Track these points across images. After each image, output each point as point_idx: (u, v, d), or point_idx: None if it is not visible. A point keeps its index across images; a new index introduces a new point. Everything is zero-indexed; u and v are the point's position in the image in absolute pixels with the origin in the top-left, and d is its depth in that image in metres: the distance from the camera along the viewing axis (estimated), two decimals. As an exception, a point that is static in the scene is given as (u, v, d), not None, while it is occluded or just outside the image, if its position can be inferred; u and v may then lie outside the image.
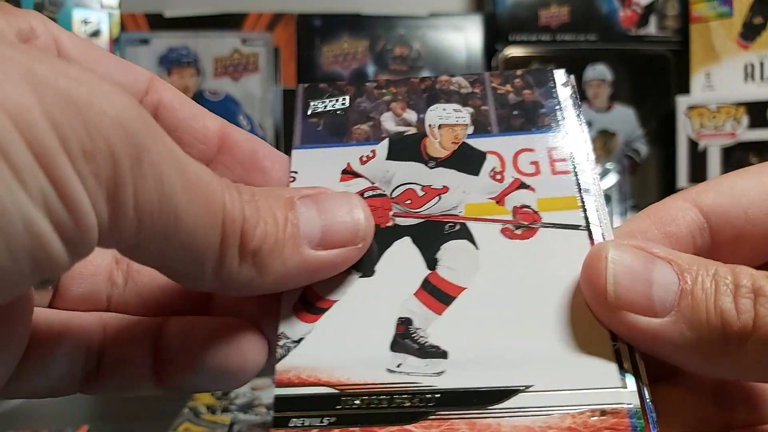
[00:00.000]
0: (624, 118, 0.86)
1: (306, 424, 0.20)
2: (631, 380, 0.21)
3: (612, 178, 0.86)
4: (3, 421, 0.57)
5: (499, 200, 0.25)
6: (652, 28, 0.86)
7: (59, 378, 0.23)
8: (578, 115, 0.27)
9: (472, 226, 0.24)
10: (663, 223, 0.23)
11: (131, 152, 0.17)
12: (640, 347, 0.21)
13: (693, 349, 0.20)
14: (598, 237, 0.23)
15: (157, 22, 0.84)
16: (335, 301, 0.23)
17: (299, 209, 0.21)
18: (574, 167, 0.25)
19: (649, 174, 0.87)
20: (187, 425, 0.54)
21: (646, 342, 0.20)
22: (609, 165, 0.86)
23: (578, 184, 0.25)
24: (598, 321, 0.21)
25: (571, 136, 0.26)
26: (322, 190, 0.23)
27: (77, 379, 0.23)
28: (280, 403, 0.21)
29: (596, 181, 0.25)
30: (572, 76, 0.28)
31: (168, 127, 0.24)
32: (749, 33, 0.82)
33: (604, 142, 0.86)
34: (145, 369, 0.23)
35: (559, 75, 0.28)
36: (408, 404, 0.21)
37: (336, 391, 0.21)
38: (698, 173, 0.82)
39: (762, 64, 0.82)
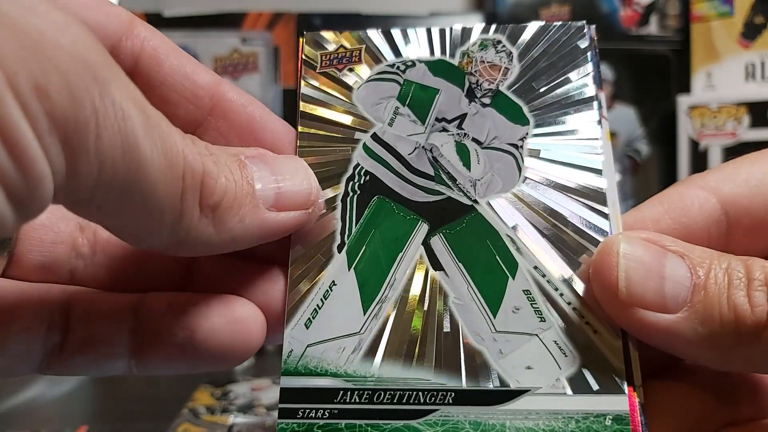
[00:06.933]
0: (625, 118, 0.86)
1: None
2: (624, 385, 0.21)
3: (612, 178, 0.85)
4: (3, 421, 0.57)
5: None
6: (652, 28, 0.86)
7: (16, 355, 0.21)
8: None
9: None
10: (677, 213, 0.22)
11: (92, 86, 0.14)
12: (651, 343, 0.21)
13: (706, 345, 0.19)
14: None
15: (156, 22, 0.83)
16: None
17: (251, 169, 0.20)
18: None
19: (650, 174, 0.86)
20: (187, 426, 0.54)
21: (658, 338, 0.20)
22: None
23: None
24: (608, 316, 0.21)
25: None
26: (266, 152, 0.22)
27: (36, 357, 0.21)
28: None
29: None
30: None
31: (152, 82, 0.21)
32: (750, 32, 0.82)
33: (604, 141, 0.86)
34: (119, 348, 0.21)
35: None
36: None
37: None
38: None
39: (763, 64, 0.81)
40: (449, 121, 0.24)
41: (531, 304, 0.22)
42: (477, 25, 0.26)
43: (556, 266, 0.22)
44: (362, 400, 0.21)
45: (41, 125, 0.14)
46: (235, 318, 0.21)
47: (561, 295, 0.22)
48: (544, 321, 0.22)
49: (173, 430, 0.53)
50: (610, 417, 0.20)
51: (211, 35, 0.84)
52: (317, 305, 0.22)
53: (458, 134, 0.24)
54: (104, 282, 0.23)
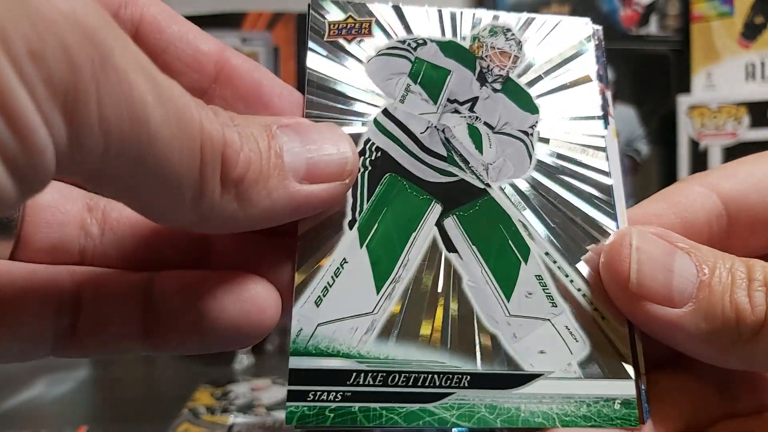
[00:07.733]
0: (625, 118, 0.86)
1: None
2: (631, 370, 0.21)
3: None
4: (3, 421, 0.57)
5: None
6: (653, 28, 0.86)
7: (27, 339, 0.20)
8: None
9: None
10: (679, 209, 0.23)
11: (92, 53, 0.13)
12: (654, 335, 0.21)
13: (707, 341, 0.20)
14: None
15: (157, 22, 0.84)
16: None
17: (281, 139, 0.19)
18: None
19: (650, 174, 0.86)
20: (187, 426, 0.54)
21: (662, 331, 0.21)
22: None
23: None
24: (615, 306, 0.21)
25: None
26: (303, 120, 0.21)
27: (47, 340, 0.20)
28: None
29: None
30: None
31: (153, 50, 0.20)
32: (750, 32, 0.82)
33: (604, 141, 0.86)
34: (131, 328, 0.21)
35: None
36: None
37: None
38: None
39: (763, 64, 0.81)
40: (461, 103, 0.24)
41: (543, 289, 0.22)
42: (487, 13, 0.26)
43: (565, 253, 0.22)
44: (376, 383, 0.20)
45: (39, 92, 0.13)
46: (247, 297, 0.20)
47: (571, 281, 0.22)
48: (556, 306, 0.22)
49: (173, 430, 0.53)
50: (619, 401, 0.21)
51: (211, 35, 0.84)
52: (328, 283, 0.21)
53: (470, 117, 0.24)
54: (115, 262, 0.22)
